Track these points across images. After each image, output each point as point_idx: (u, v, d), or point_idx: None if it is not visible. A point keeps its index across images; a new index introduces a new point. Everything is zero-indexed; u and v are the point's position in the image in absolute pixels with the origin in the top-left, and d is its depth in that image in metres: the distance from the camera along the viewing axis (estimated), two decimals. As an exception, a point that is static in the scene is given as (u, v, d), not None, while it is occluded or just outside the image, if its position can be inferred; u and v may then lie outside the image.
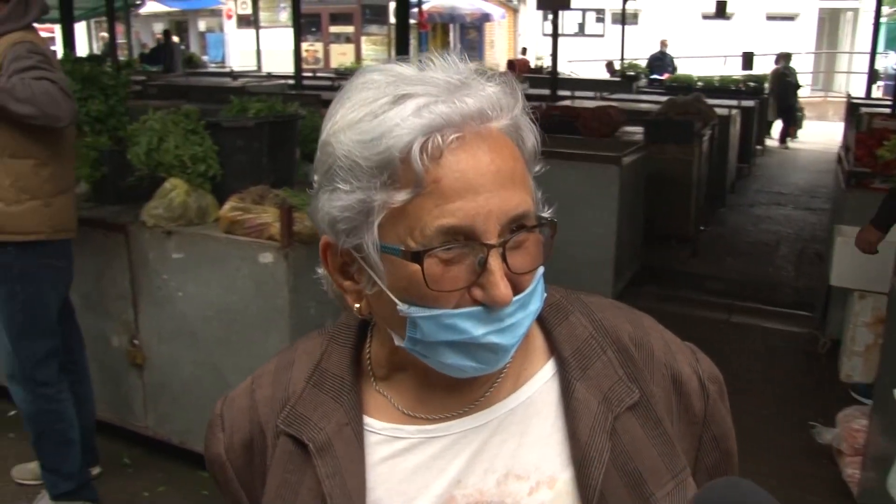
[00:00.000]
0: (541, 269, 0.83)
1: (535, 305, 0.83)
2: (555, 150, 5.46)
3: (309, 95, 9.36)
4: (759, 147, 12.16)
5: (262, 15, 21.29)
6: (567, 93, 10.17)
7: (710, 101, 8.21)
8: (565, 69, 15.19)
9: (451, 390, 0.87)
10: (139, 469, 3.58)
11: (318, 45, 23.88)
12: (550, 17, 12.39)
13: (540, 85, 11.52)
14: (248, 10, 23.04)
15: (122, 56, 15.65)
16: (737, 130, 9.26)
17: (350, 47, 23.69)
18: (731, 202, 9.11)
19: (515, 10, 25.67)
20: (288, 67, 13.25)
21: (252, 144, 3.37)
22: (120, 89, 4.15)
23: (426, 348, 0.80)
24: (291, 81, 11.92)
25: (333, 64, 21.42)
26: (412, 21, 9.65)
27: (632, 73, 14.38)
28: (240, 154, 3.35)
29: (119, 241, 3.29)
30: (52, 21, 23.19)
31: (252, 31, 18.88)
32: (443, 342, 0.79)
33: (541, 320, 0.91)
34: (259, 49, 16.96)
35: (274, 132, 3.45)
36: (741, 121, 9.47)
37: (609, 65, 16.30)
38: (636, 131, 6.71)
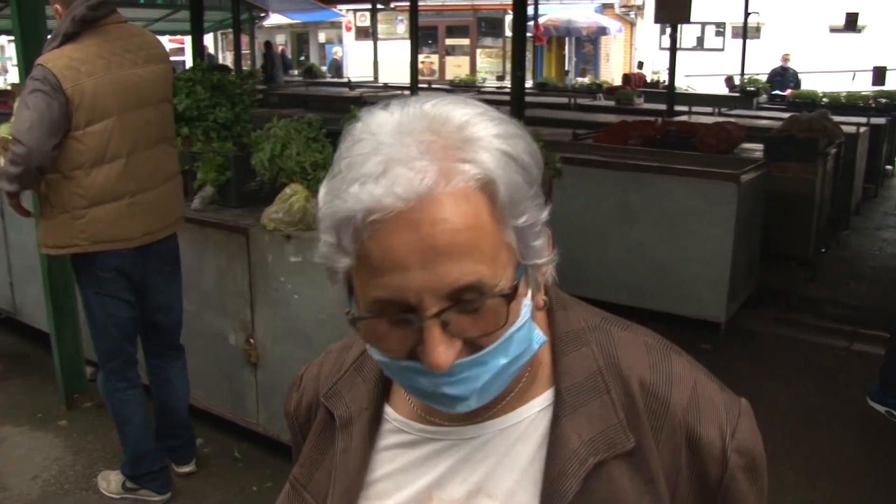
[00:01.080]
0: (518, 322, 0.80)
1: (503, 360, 0.80)
2: (670, 165, 5.36)
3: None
4: (888, 167, 11.57)
5: (380, 27, 21.74)
6: (684, 108, 9.96)
7: (836, 119, 7.87)
8: (682, 84, 14.86)
9: None
10: (249, 463, 3.71)
11: (434, 57, 24.23)
12: (668, 30, 12.16)
13: (656, 100, 11.33)
14: (367, 23, 23.62)
15: (245, 66, 16.27)
16: (864, 149, 8.83)
17: (465, 59, 23.94)
18: (855, 224, 8.69)
19: (632, 24, 25.31)
20: (404, 78, 13.47)
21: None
22: (246, 98, 4.34)
23: (394, 379, 0.88)
24: (407, 92, 12.12)
25: (449, 76, 21.68)
26: (528, 34, 9.66)
27: (752, 89, 13.94)
28: (356, 162, 3.43)
29: (240, 242, 3.42)
30: (183, 33, 24.30)
31: (370, 43, 19.30)
32: (404, 385, 0.85)
33: (553, 347, 0.90)
34: (376, 60, 17.31)
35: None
36: (870, 139, 9.04)
37: (729, 80, 15.87)
38: (755, 148, 6.50)
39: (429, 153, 0.74)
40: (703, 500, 0.88)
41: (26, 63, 3.81)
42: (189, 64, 20.82)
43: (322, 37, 29.30)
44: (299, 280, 3.24)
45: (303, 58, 27.68)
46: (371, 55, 17.79)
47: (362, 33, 25.66)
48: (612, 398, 0.86)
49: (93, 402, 4.26)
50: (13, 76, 25.30)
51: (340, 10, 24.22)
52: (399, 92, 12.78)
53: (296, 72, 18.34)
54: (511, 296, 0.78)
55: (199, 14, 10.36)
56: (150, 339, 3.42)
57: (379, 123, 0.78)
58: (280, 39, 27.95)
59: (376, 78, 16.98)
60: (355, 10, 25.71)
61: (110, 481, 3.47)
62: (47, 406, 4.25)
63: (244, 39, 17.54)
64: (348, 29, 26.83)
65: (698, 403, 0.88)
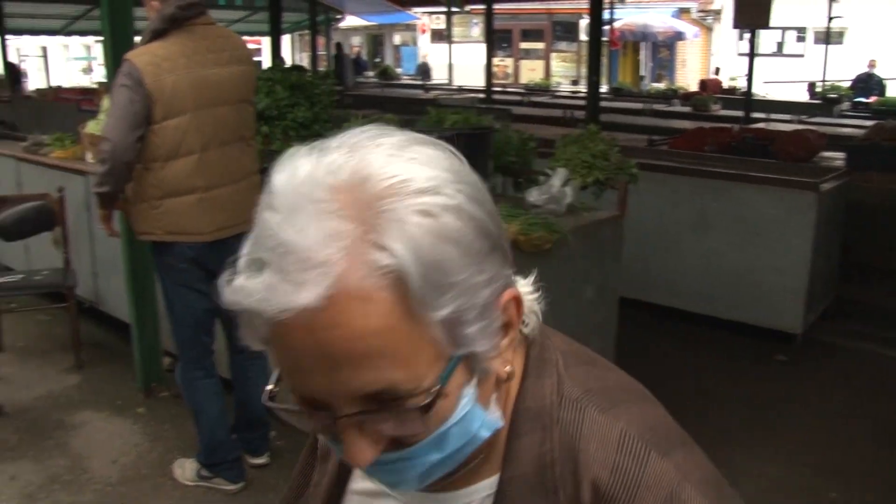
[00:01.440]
0: (455, 415, 0.69)
1: (437, 455, 0.71)
2: (747, 173, 5.26)
3: (499, 110, 9.52)
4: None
5: (455, 30, 21.84)
6: (762, 115, 9.75)
7: (924, 128, 7.60)
8: (760, 91, 14.55)
9: None
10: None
11: (509, 61, 24.24)
12: (747, 35, 11.91)
13: (733, 106, 11.12)
14: (442, 26, 23.73)
15: (321, 67, 16.53)
16: (953, 160, 8.51)
17: (539, 63, 23.89)
18: (941, 238, 8.38)
19: (710, 29, 24.87)
20: (478, 81, 13.51)
21: (445, 154, 3.48)
22: (324, 98, 4.43)
23: None
24: (482, 95, 12.16)
25: (523, 79, 21.68)
26: (603, 39, 9.58)
27: (833, 96, 13.57)
28: (432, 163, 3.46)
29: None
30: (261, 34, 24.79)
31: (445, 46, 19.42)
32: None
33: (510, 424, 0.77)
34: (451, 63, 17.41)
35: (468, 144, 3.54)
36: (961, 150, 8.70)
37: (811, 86, 15.44)
38: (836, 157, 6.33)
39: (333, 239, 0.62)
40: None
41: (115, 62, 3.95)
42: (267, 64, 21.28)
43: (397, 39, 29.62)
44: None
45: (377, 59, 28.00)
46: (446, 58, 17.90)
47: (437, 36, 25.82)
48: (559, 499, 0.74)
49: (170, 392, 4.39)
50: (99, 76, 26.19)
51: (415, 12, 24.44)
52: (473, 94, 12.81)
53: (371, 73, 18.55)
54: (428, 406, 0.66)
55: (277, 16, 10.61)
56: (231, 333, 3.47)
57: (283, 183, 0.66)
58: (355, 41, 28.31)
59: (451, 81, 17.09)
60: (430, 13, 25.89)
61: (185, 469, 3.58)
62: (127, 394, 4.40)
63: (320, 41, 17.81)
64: (423, 31, 27.03)
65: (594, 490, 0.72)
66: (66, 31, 20.93)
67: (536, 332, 0.81)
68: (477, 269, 0.66)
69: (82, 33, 21.65)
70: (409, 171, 0.65)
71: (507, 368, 0.75)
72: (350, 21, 24.27)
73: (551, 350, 0.81)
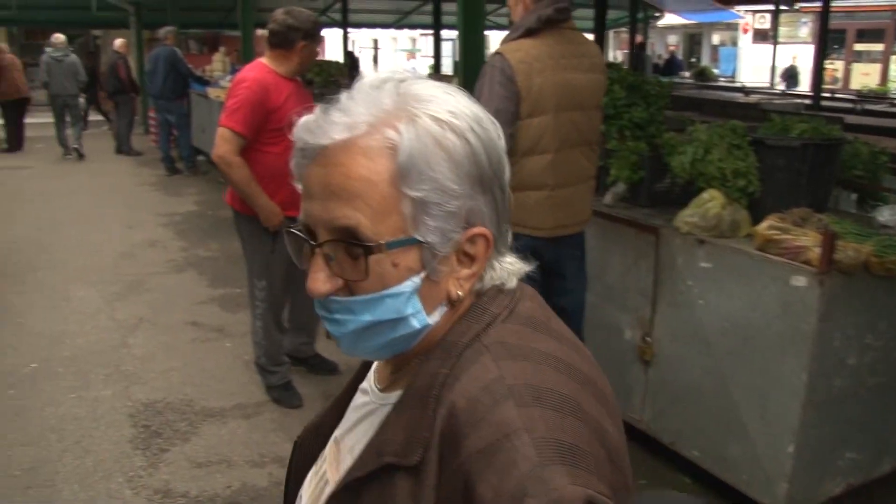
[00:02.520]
0: (392, 289, 0.87)
1: (367, 317, 0.88)
2: None
3: (830, 117, 8.82)
4: None
5: (781, 30, 20.55)
6: None
7: None
8: None
9: (388, 366, 1.01)
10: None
11: (839, 64, 22.33)
12: None
13: None
14: (766, 25, 22.45)
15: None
16: None
17: (875, 67, 21.71)
18: None
19: None
20: (803, 85, 12.61)
21: (793, 165, 3.32)
22: (660, 99, 4.38)
23: None
24: (807, 101, 11.36)
25: (854, 85, 19.85)
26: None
27: None
28: (780, 173, 3.32)
29: (649, 241, 3.49)
30: (587, 30, 24.96)
31: (768, 47, 18.36)
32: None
33: (427, 348, 0.93)
34: (774, 65, 16.45)
35: (816, 155, 3.35)
36: None
37: None
38: None
39: (370, 115, 0.87)
40: None
41: (467, 54, 4.22)
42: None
43: (715, 38, 28.47)
44: (707, 286, 3.23)
45: (693, 59, 27.15)
46: (768, 59, 16.94)
47: (760, 36, 24.46)
48: (429, 416, 0.86)
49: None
50: (424, 66, 28.01)
51: (739, 10, 23.32)
52: (798, 100, 12.00)
53: (687, 73, 18.04)
54: (374, 248, 0.85)
55: (602, 12, 10.63)
56: None
57: (350, 90, 0.91)
58: (672, 40, 27.67)
59: (772, 84, 16.15)
60: (755, 12, 24.59)
61: None
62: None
63: (637, 39, 17.62)
64: (745, 31, 25.74)
65: (494, 456, 0.79)
66: (398, 25, 22.66)
67: (511, 288, 0.97)
68: (456, 181, 0.87)
69: (412, 27, 23.31)
70: (442, 97, 0.89)
71: (459, 293, 0.92)
72: (668, 19, 23.76)
73: (503, 306, 0.94)
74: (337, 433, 1.07)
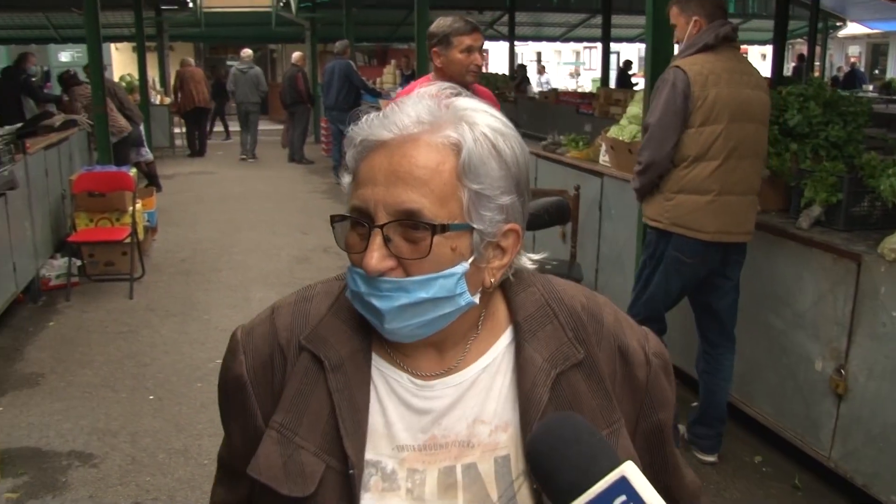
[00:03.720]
0: (447, 270, 0.97)
1: (423, 294, 0.96)
2: None
3: None
4: None
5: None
6: None
7: None
8: None
9: (430, 354, 1.06)
10: (809, 496, 3.56)
11: None
12: None
13: None
14: (963, 35, 20.75)
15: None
16: None
17: None
18: None
19: None
20: None
21: None
22: (859, 116, 4.12)
23: (350, 297, 1.03)
24: None
25: None
26: None
27: None
28: None
29: (849, 268, 3.28)
30: (756, 42, 24.01)
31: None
32: (350, 291, 1.02)
33: (504, 291, 1.10)
34: (972, 78, 15.18)
35: None
36: None
37: None
38: None
39: (431, 116, 0.99)
40: (635, 397, 1.09)
41: (655, 70, 4.14)
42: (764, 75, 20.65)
43: (903, 49, 26.61)
44: (915, 319, 2.99)
45: (877, 71, 25.49)
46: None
47: (954, 46, 22.66)
48: (560, 322, 1.07)
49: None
50: (587, 80, 27.78)
51: (931, 19, 21.66)
52: None
53: (870, 87, 16.94)
54: (438, 229, 0.95)
55: (783, 23, 10.18)
56: (706, 325, 3.75)
57: (408, 97, 1.02)
58: (853, 51, 26.12)
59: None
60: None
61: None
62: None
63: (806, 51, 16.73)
64: (938, 41, 23.93)
65: (620, 322, 1.12)
66: (563, 38, 22.60)
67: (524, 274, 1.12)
68: (503, 182, 0.99)
69: (577, 40, 23.20)
70: (486, 110, 1.02)
71: (492, 280, 1.04)
72: (850, 29, 22.43)
73: (530, 279, 1.12)
74: (411, 445, 1.05)
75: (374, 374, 1.06)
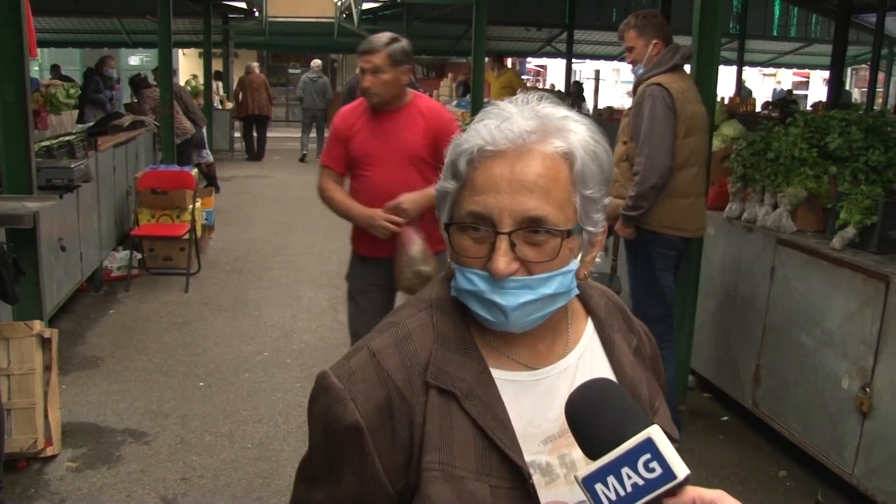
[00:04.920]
0: (565, 268, 1.06)
1: (547, 291, 1.05)
2: None
3: None
4: None
5: None
6: None
7: None
8: None
9: (536, 344, 1.13)
10: (833, 511, 3.64)
11: None
12: None
13: None
14: None
15: (876, 105, 15.33)
16: None
17: None
18: None
19: None
20: None
21: None
22: (902, 142, 4.17)
23: (460, 295, 1.09)
24: None
25: None
26: None
27: None
28: None
29: (878, 289, 3.35)
30: (817, 67, 23.58)
31: None
32: (465, 290, 1.07)
33: (579, 296, 1.18)
34: None
35: None
36: None
37: None
38: None
39: (537, 126, 1.04)
40: (646, 368, 1.25)
41: (699, 88, 4.25)
42: (812, 99, 20.38)
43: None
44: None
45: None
46: None
47: None
48: (619, 319, 1.25)
49: (687, 408, 4.59)
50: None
51: None
52: None
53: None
54: (564, 235, 1.03)
55: (842, 48, 10.12)
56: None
57: (505, 105, 1.08)
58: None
59: None
60: None
61: None
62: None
63: (880, 77, 16.50)
64: None
65: (625, 311, 1.29)
66: (621, 57, 22.60)
67: None
68: (604, 185, 1.09)
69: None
70: (572, 115, 1.09)
71: (586, 273, 1.14)
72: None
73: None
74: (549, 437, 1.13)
75: (499, 384, 1.10)
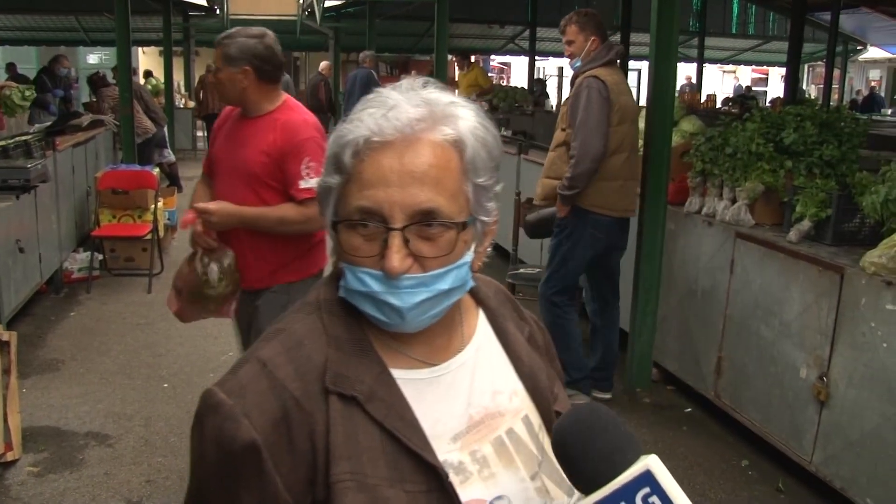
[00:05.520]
0: (460, 261, 1.02)
1: (443, 286, 1.01)
2: None
3: None
4: None
5: None
6: None
7: None
8: None
9: (433, 342, 1.08)
10: (791, 498, 3.70)
11: None
12: None
13: None
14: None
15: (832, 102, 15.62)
16: None
17: None
18: None
19: None
20: None
21: None
22: (855, 137, 4.27)
23: (350, 296, 1.03)
24: None
25: None
26: None
27: None
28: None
29: (833, 280, 3.43)
30: (773, 63, 23.89)
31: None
32: (356, 291, 1.01)
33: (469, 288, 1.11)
34: None
35: None
36: None
37: None
38: None
39: (426, 113, 0.99)
40: (542, 356, 1.23)
41: (656, 87, 4.31)
42: (771, 95, 20.66)
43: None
44: (892, 329, 3.13)
45: (896, 96, 25.48)
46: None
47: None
48: (509, 307, 1.24)
49: (651, 400, 4.66)
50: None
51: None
52: None
53: (889, 111, 16.98)
54: (459, 227, 1.00)
55: (797, 46, 10.29)
56: (604, 287, 4.61)
57: (389, 93, 1.02)
58: (874, 75, 26.13)
59: None
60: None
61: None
62: (613, 393, 4.75)
63: (835, 73, 16.80)
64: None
65: (514, 301, 1.28)
66: (584, 54, 22.72)
67: None
68: (494, 171, 1.05)
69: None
70: (459, 101, 1.05)
71: (479, 263, 1.10)
72: (872, 53, 22.46)
73: None
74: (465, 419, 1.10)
75: (400, 384, 1.04)
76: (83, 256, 7.00)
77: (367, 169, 0.98)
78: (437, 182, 0.98)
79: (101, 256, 7.08)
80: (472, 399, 1.09)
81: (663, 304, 4.68)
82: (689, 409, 4.58)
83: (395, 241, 0.97)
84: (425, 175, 0.97)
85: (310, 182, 2.88)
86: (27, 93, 6.87)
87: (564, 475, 0.98)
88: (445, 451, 1.04)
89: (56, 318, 5.93)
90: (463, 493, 1.01)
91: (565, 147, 4.32)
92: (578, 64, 4.33)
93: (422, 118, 0.99)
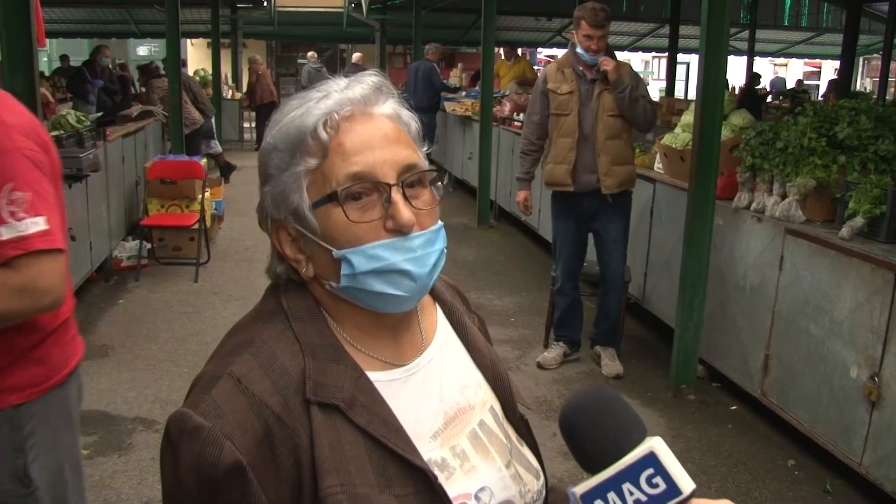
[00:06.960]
0: (439, 221, 1.05)
1: (440, 245, 1.03)
2: None
3: None
4: None
5: None
6: None
7: None
8: None
9: (400, 340, 1.08)
10: (839, 500, 3.63)
11: None
12: None
13: None
14: None
15: (888, 95, 15.21)
16: None
17: None
18: None
19: None
20: None
21: None
22: (915, 133, 4.15)
23: (357, 281, 0.99)
24: None
25: None
26: None
27: None
28: None
29: (886, 278, 3.34)
30: (826, 56, 23.40)
31: None
32: (369, 272, 0.98)
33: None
34: None
35: None
36: None
37: None
38: None
39: (369, 91, 1.04)
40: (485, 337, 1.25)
41: (706, 79, 4.23)
42: (822, 89, 20.25)
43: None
44: (948, 330, 3.05)
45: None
46: None
47: None
48: (458, 299, 1.25)
49: (696, 397, 4.59)
50: (654, 90, 27.46)
51: None
52: None
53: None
54: (435, 180, 1.05)
55: (853, 37, 10.06)
56: (603, 265, 4.97)
57: (321, 86, 1.05)
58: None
59: None
60: None
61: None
62: (656, 389, 4.72)
63: (892, 66, 16.37)
64: None
65: (461, 293, 1.29)
66: (632, 48, 22.49)
67: None
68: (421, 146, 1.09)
69: (646, 49, 23.04)
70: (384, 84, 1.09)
71: None
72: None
73: None
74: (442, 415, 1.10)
75: (378, 387, 1.03)
76: (132, 245, 7.14)
77: (347, 139, 1.01)
78: (406, 143, 1.04)
79: (149, 245, 7.21)
80: (444, 395, 1.10)
81: (710, 300, 4.61)
82: (735, 407, 4.51)
83: (398, 195, 1.00)
84: (397, 138, 1.03)
85: (25, 224, 1.70)
86: (82, 117, 6.90)
87: (534, 461, 1.15)
88: (428, 450, 1.04)
89: (105, 305, 6.05)
90: (449, 488, 1.02)
91: (625, 131, 4.75)
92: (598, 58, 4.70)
93: (367, 96, 1.04)
